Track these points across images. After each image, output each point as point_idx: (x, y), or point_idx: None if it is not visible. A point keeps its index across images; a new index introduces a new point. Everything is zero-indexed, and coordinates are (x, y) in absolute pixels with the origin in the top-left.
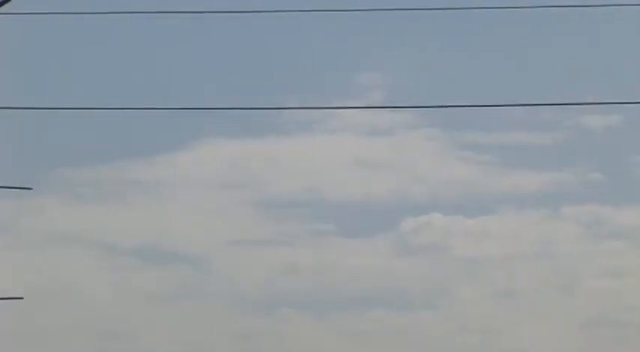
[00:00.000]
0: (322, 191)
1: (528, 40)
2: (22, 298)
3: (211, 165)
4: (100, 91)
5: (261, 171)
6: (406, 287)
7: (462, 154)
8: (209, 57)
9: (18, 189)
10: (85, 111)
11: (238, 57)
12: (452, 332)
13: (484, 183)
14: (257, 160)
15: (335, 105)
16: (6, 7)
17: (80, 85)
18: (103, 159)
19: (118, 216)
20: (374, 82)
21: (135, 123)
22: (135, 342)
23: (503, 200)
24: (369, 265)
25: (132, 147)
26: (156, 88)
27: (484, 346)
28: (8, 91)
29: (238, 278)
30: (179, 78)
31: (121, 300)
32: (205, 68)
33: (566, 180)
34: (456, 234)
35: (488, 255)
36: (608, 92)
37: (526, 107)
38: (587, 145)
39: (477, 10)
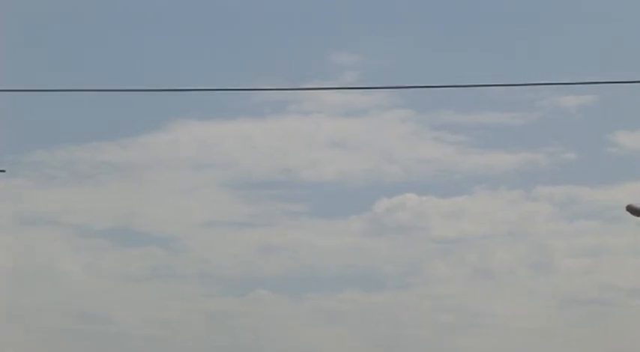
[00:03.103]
0: (296, 172)
1: (503, 21)
2: None
3: (185, 146)
4: (73, 73)
5: (234, 152)
6: (381, 267)
7: (436, 135)
8: (182, 38)
9: None
10: (58, 93)
11: (211, 38)
12: (427, 311)
13: (458, 164)
14: (231, 142)
15: (309, 87)
16: None
17: (53, 67)
18: (76, 141)
19: (91, 198)
20: (348, 63)
21: (108, 105)
22: (109, 322)
23: (478, 180)
24: (343, 245)
25: (105, 129)
26: (129, 69)
27: (459, 325)
28: None
29: (212, 259)
30: (152, 60)
31: (95, 281)
32: (178, 49)
33: (541, 160)
34: (430, 214)
35: (462, 234)
36: (582, 72)
37: (500, 87)
38: (561, 125)
39: None
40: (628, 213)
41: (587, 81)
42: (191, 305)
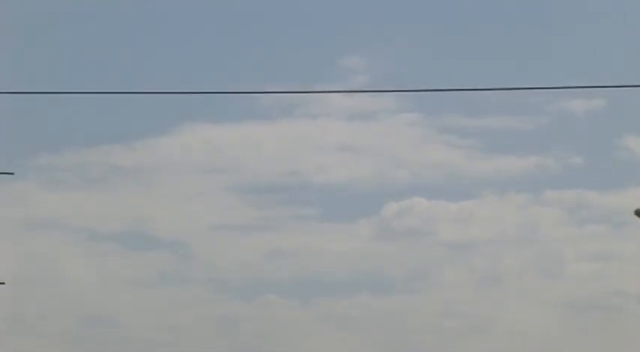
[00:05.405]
0: (305, 175)
1: (512, 24)
2: (3, 283)
3: (193, 150)
4: (82, 76)
5: (243, 156)
6: (389, 272)
7: (445, 139)
8: (191, 41)
9: None
10: (67, 95)
11: (220, 41)
12: (436, 316)
13: (466, 168)
14: (239, 145)
15: (317, 90)
16: None
17: (62, 70)
18: (85, 144)
19: (100, 202)
20: (356, 66)
21: (117, 108)
22: (118, 327)
23: (486, 184)
24: (352, 250)
25: (114, 132)
26: (138, 72)
27: (467, 329)
28: None
29: (221, 263)
30: (162, 63)
31: (103, 285)
32: (187, 52)
33: (549, 165)
34: (439, 219)
35: (471, 239)
36: (591, 76)
37: (508, 91)
38: (570, 130)
39: None
40: (637, 218)
41: (595, 85)
42: (199, 309)
